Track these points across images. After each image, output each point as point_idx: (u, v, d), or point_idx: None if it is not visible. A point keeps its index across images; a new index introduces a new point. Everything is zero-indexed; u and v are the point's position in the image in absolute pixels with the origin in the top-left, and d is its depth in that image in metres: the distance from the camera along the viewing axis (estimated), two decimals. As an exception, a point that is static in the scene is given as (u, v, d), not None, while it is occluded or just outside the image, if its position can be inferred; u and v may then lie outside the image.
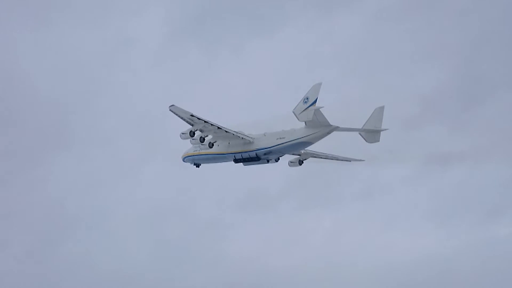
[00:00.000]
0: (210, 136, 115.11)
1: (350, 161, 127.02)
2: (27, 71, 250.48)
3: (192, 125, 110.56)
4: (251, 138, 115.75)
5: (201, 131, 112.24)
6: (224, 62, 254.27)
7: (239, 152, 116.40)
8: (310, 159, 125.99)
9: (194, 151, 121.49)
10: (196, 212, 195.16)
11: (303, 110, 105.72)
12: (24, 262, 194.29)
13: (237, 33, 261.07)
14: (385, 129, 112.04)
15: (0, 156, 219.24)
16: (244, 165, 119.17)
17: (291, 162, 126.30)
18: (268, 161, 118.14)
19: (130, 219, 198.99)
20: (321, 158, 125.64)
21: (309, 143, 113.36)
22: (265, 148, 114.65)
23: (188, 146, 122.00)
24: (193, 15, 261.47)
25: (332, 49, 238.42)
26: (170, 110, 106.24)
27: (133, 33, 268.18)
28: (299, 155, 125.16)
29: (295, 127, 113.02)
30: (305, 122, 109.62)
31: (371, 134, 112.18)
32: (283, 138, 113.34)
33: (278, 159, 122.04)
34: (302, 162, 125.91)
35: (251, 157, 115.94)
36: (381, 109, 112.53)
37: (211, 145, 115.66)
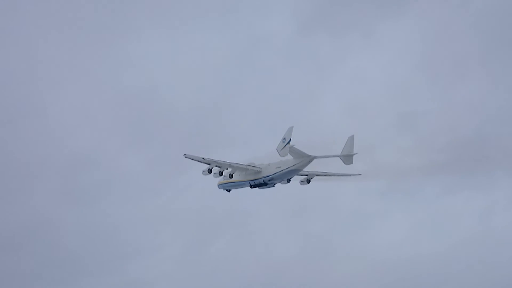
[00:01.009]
0: (229, 169, 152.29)
1: (349, 175, 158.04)
2: (163, 79, 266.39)
3: (209, 164, 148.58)
4: (259, 168, 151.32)
5: (219, 167, 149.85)
6: (357, 48, 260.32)
7: (252, 180, 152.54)
8: (315, 177, 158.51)
9: (223, 180, 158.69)
10: (336, 203, 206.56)
11: (282, 148, 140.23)
12: (179, 263, 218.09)
13: (367, 16, 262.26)
14: (355, 153, 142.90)
15: (148, 166, 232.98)
16: (259, 189, 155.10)
17: (301, 181, 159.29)
18: (274, 185, 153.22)
19: (273, 216, 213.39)
20: (324, 176, 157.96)
21: (298, 170, 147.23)
22: (269, 176, 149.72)
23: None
24: (319, 5, 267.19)
25: (468, 21, 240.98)
26: (185, 157, 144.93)
27: (263, 32, 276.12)
28: (306, 175, 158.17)
29: (289, 158, 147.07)
30: (291, 155, 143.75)
31: (347, 157, 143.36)
32: (280, 167, 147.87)
33: (289, 180, 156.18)
34: (310, 181, 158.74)
35: (260, 183, 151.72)
36: (352, 138, 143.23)
37: (230, 176, 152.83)
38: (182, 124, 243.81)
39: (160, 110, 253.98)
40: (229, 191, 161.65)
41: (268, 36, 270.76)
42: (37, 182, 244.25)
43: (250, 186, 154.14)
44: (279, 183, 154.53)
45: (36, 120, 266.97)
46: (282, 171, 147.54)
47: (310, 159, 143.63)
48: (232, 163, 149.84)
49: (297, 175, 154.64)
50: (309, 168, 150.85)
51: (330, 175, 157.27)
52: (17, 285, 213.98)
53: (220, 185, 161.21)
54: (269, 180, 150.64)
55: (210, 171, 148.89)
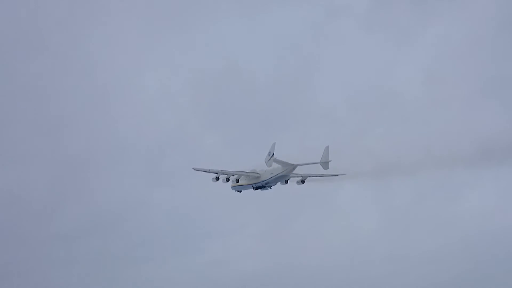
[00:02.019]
0: (235, 176, 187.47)
1: (337, 175, 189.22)
2: (242, 57, 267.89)
3: (216, 173, 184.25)
4: (259, 174, 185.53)
5: (226, 174, 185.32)
6: (438, 11, 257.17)
7: (254, 183, 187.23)
8: (308, 178, 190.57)
9: (232, 183, 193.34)
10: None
11: (268, 160, 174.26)
12: (260, 242, 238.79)
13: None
14: (330, 160, 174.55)
15: (229, 146, 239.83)
16: (261, 190, 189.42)
17: (297, 182, 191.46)
18: (271, 187, 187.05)
19: (355, 185, 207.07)
20: (314, 176, 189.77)
21: (286, 175, 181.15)
22: (265, 180, 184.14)
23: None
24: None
25: None
26: (193, 169, 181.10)
27: (341, 1, 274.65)
28: (301, 176, 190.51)
29: (278, 166, 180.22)
30: (278, 164, 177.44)
31: (325, 164, 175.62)
32: (272, 173, 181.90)
33: (287, 181, 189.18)
34: (304, 181, 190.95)
35: (260, 186, 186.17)
36: (327, 148, 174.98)
37: (237, 180, 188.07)
38: (262, 100, 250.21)
39: (240, 88, 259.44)
40: (240, 192, 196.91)
41: (346, 6, 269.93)
42: (123, 165, 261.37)
43: (253, 188, 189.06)
44: (280, 184, 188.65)
45: (119, 104, 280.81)
46: (274, 176, 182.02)
47: (293, 166, 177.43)
48: (234, 171, 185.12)
49: (293, 177, 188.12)
50: (302, 172, 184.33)
51: (320, 176, 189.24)
52: (108, 261, 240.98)
53: (232, 187, 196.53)
54: (266, 184, 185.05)
55: (217, 178, 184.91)
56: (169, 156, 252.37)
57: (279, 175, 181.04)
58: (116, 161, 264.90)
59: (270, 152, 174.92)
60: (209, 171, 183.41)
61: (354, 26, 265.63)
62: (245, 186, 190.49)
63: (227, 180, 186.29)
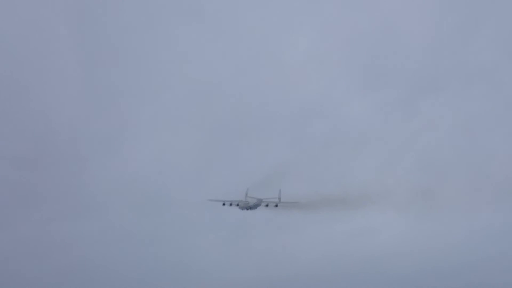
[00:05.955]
0: (236, 202, 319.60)
1: (296, 202, 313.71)
2: (398, 18, 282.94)
3: (222, 201, 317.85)
4: (248, 202, 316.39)
5: (229, 202, 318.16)
6: None
7: (246, 207, 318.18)
8: (280, 204, 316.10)
9: (237, 206, 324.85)
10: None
11: (245, 197, 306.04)
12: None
13: None
14: (280, 197, 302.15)
15: (376, 112, 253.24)
16: (251, 210, 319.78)
17: (274, 206, 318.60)
18: (253, 210, 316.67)
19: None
20: (283, 203, 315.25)
21: (259, 204, 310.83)
22: (249, 205, 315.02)
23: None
24: None
25: None
26: (208, 200, 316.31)
27: None
28: (275, 203, 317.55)
29: (253, 199, 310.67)
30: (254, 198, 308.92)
31: (279, 199, 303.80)
32: (253, 201, 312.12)
33: (268, 205, 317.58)
34: (277, 205, 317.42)
35: (248, 208, 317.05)
36: (280, 190, 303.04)
37: (237, 204, 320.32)
38: (415, 63, 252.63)
39: (393, 51, 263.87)
40: (242, 210, 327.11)
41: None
42: (269, 130, 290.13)
43: (246, 209, 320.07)
44: (263, 207, 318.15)
45: (268, 68, 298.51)
46: (253, 204, 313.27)
47: (261, 200, 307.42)
48: (236, 200, 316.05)
49: (271, 202, 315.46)
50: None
51: (284, 202, 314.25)
52: (249, 226, 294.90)
53: (239, 208, 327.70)
54: (250, 208, 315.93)
55: (224, 204, 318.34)
56: (315, 121, 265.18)
57: (255, 203, 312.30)
58: (262, 126, 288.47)
59: (246, 193, 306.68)
60: (217, 200, 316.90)
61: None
62: (243, 208, 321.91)
63: (230, 205, 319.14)
